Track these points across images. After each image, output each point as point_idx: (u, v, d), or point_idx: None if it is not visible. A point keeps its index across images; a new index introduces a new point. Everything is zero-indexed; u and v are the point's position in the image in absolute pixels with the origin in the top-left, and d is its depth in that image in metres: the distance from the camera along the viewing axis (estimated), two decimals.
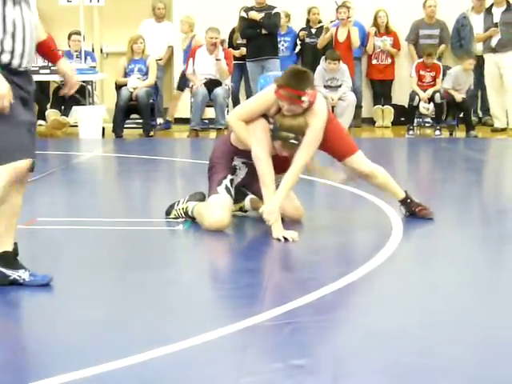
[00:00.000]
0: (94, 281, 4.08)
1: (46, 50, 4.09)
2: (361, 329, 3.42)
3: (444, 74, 11.19)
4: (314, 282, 4.09)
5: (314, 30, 12.17)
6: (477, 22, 11.65)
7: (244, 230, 5.56)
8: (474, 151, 9.68)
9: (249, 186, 5.46)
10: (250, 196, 5.63)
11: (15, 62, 3.72)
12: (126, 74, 11.25)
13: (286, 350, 3.16)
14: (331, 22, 11.85)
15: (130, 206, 6.51)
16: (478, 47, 11.69)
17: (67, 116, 11.10)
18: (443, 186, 7.29)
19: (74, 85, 4.10)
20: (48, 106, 11.59)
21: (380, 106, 12.28)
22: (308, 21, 12.30)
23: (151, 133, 11.26)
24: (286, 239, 4.90)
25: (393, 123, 12.18)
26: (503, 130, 11.42)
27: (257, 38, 11.23)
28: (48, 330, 3.46)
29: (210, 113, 11.54)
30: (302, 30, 12.28)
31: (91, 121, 10.90)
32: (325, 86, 11.10)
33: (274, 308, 3.62)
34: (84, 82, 10.94)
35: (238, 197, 5.51)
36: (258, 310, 3.59)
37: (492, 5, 11.35)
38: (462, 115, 11.15)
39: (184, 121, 11.94)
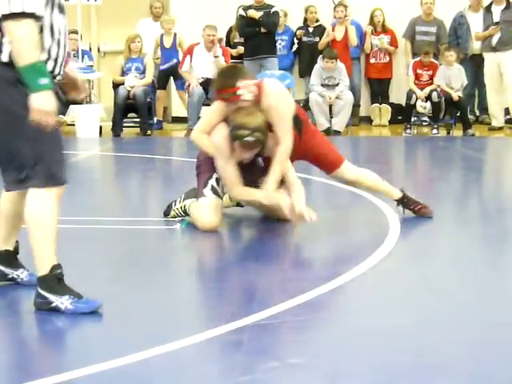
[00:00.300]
0: (91, 279, 4.07)
1: None
2: (357, 327, 3.42)
3: None
4: (311, 281, 4.09)
5: (311, 29, 12.18)
6: (474, 21, 11.65)
7: (240, 229, 5.56)
8: (471, 150, 9.68)
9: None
10: None
11: (56, 70, 3.58)
12: (123, 73, 11.26)
13: (282, 349, 3.17)
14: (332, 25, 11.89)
15: (127, 205, 6.51)
16: (476, 45, 11.70)
17: (64, 115, 11.10)
18: (440, 184, 7.30)
19: (83, 88, 4.01)
20: None
21: (377, 105, 12.30)
22: (305, 19, 12.31)
23: (149, 131, 11.26)
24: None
25: (390, 122, 12.19)
26: (500, 128, 11.43)
27: (255, 36, 11.23)
28: (45, 329, 3.47)
29: None
30: (300, 28, 12.29)
31: (88, 119, 10.90)
32: (322, 85, 11.12)
33: (271, 307, 3.62)
34: None
35: None
36: (256, 309, 3.59)
37: (491, 3, 11.34)
38: (459, 114, 11.17)
39: (182, 120, 11.96)
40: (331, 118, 11.17)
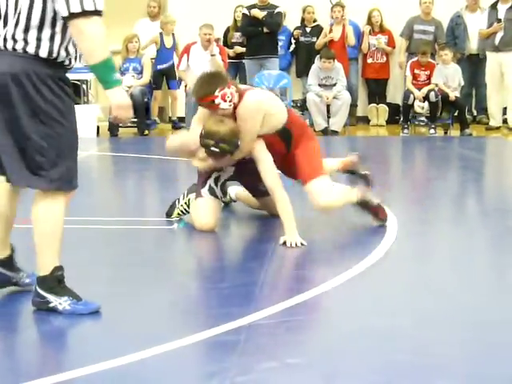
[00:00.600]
0: (89, 280, 4.07)
1: None
2: (355, 327, 3.42)
3: None
4: (309, 281, 4.10)
5: (308, 29, 12.18)
6: (471, 21, 11.66)
7: (239, 229, 5.57)
8: (468, 149, 9.69)
9: (237, 180, 5.53)
10: (237, 189, 5.75)
11: (72, 66, 3.53)
12: (120, 73, 11.24)
13: (281, 349, 3.17)
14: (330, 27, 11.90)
15: (125, 205, 6.50)
16: (473, 46, 11.71)
17: None
18: (438, 184, 7.30)
19: None
20: None
21: (375, 105, 12.29)
22: (303, 19, 12.30)
23: (146, 131, 11.26)
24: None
25: (387, 122, 12.20)
26: (497, 128, 11.44)
27: (258, 36, 11.23)
28: (44, 330, 3.47)
29: None
30: (297, 28, 12.29)
31: (86, 120, 10.88)
32: (320, 85, 11.13)
33: (268, 307, 3.62)
34: (79, 80, 10.94)
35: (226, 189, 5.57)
36: (253, 309, 3.60)
37: (497, 1, 11.33)
38: (456, 114, 11.17)
39: (180, 120, 11.95)
40: (329, 118, 11.18)
